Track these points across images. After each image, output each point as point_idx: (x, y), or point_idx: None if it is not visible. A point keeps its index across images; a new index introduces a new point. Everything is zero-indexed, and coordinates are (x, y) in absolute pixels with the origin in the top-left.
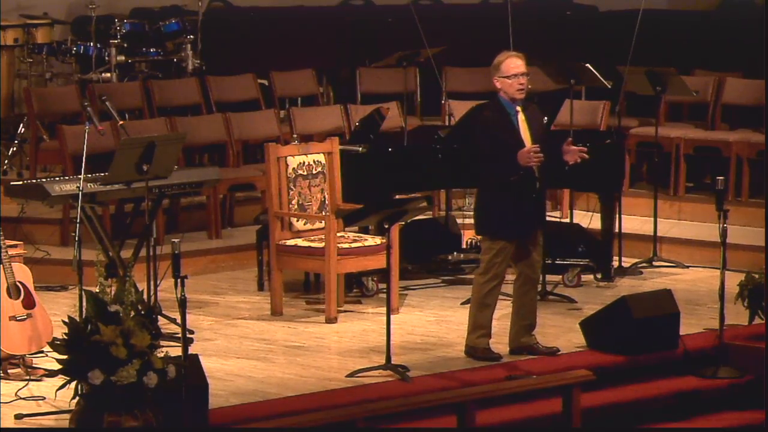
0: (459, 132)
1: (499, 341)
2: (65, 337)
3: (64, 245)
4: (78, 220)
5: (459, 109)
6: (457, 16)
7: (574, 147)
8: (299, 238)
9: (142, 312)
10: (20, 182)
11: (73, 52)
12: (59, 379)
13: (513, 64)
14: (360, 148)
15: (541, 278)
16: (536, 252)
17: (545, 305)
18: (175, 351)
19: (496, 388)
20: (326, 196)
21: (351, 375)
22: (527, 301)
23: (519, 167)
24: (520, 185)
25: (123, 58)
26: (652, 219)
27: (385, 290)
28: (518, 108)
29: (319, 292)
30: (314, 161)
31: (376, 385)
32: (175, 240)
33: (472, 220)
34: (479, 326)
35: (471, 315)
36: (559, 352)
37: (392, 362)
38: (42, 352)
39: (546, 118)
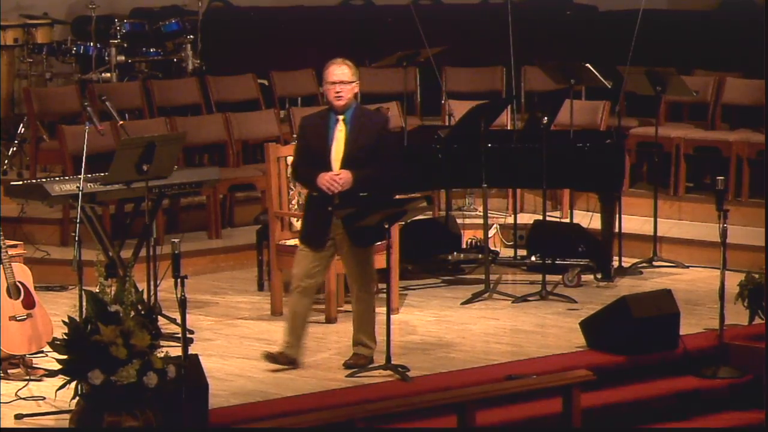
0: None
1: (500, 341)
2: (65, 337)
3: (64, 245)
4: (78, 220)
5: (459, 109)
6: (457, 16)
7: (328, 175)
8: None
9: (142, 312)
10: (20, 182)
11: (73, 52)
12: (59, 379)
13: (333, 71)
14: None
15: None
16: (355, 266)
17: (545, 305)
18: (175, 351)
19: (496, 388)
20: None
21: (351, 375)
22: (356, 313)
23: (315, 178)
24: (319, 198)
25: (123, 58)
26: (652, 219)
27: (385, 290)
28: (339, 117)
29: (319, 292)
30: None
31: (376, 385)
32: (175, 240)
33: (472, 220)
34: (288, 334)
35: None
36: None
37: (392, 362)
38: (42, 352)
39: (381, 132)
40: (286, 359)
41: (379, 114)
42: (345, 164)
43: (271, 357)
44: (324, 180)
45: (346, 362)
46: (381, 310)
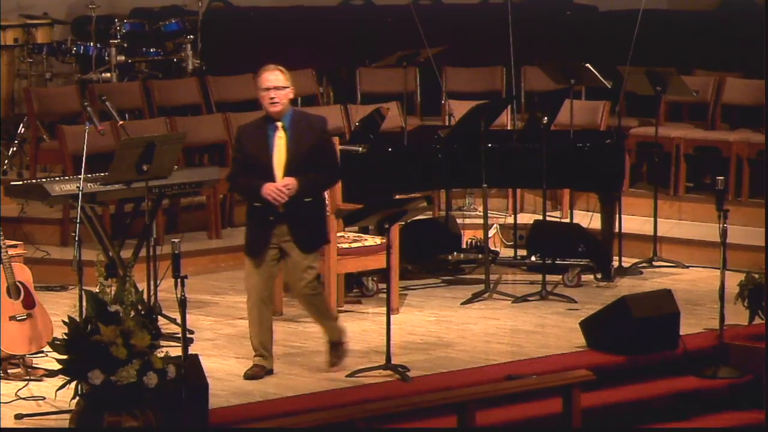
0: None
1: (500, 341)
2: (65, 337)
3: (64, 245)
4: (78, 220)
5: (459, 109)
6: (457, 16)
7: (274, 186)
8: None
9: (142, 312)
10: (20, 182)
11: (73, 52)
12: (59, 379)
13: (266, 77)
14: (360, 148)
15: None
16: (303, 271)
17: (545, 305)
18: (175, 351)
19: (496, 388)
20: (326, 196)
21: (351, 375)
22: (315, 310)
23: (258, 188)
24: (262, 209)
25: (123, 58)
26: (652, 219)
27: (385, 290)
28: (278, 124)
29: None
30: None
31: (376, 385)
32: (175, 240)
33: (472, 220)
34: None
35: None
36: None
37: (392, 362)
38: (42, 352)
39: (321, 137)
40: (264, 371)
41: (317, 117)
42: (288, 171)
43: (252, 375)
44: (270, 191)
45: (330, 361)
46: (381, 310)
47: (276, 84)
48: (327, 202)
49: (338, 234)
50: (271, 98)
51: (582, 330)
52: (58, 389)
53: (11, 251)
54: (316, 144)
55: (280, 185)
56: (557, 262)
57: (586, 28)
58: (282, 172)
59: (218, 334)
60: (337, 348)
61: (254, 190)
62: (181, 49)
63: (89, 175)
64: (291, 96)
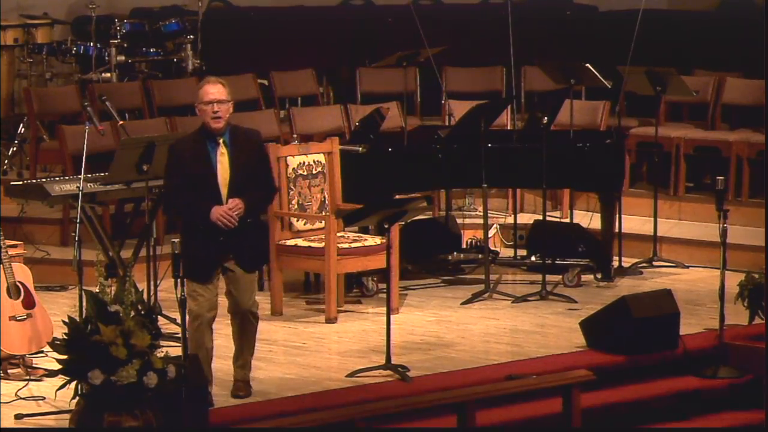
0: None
1: (500, 341)
2: (65, 337)
3: (64, 245)
4: (78, 220)
5: (459, 109)
6: (457, 16)
7: (222, 210)
8: (299, 238)
9: (142, 312)
10: (20, 182)
11: (73, 52)
12: (59, 379)
13: (209, 90)
14: (360, 148)
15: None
16: (245, 291)
17: (545, 305)
18: (175, 351)
19: (496, 388)
20: (326, 196)
21: (351, 375)
22: (244, 337)
23: (205, 212)
24: (205, 230)
25: (123, 58)
26: (652, 219)
27: (385, 290)
28: (219, 140)
29: (319, 292)
30: (314, 161)
31: (376, 385)
32: (175, 240)
33: (472, 220)
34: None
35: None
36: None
37: (392, 362)
38: (42, 352)
39: (258, 152)
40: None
41: (253, 131)
42: (232, 189)
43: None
44: (219, 216)
45: (234, 392)
46: (381, 310)
47: (219, 97)
48: (266, 221)
49: (338, 234)
50: (215, 112)
51: (582, 330)
52: (58, 389)
53: (11, 251)
54: (256, 159)
55: (229, 208)
56: (557, 262)
57: (586, 28)
58: (226, 191)
59: (218, 334)
60: (245, 386)
61: (201, 213)
62: (181, 49)
63: (89, 175)
64: (231, 110)
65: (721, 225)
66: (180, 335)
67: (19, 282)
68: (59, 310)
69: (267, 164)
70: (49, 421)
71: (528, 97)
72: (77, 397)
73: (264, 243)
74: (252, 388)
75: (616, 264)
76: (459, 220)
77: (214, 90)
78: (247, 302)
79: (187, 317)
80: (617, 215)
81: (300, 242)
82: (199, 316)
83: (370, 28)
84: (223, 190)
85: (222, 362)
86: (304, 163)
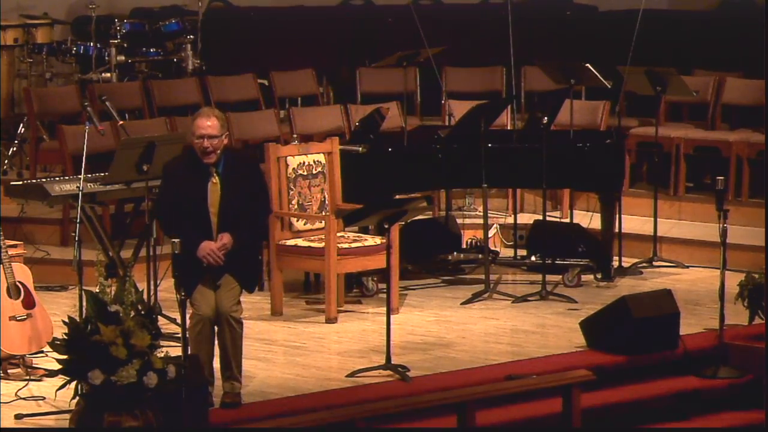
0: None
1: (500, 341)
2: (65, 337)
3: (64, 245)
4: (78, 220)
5: (459, 109)
6: (457, 16)
7: (209, 248)
8: (299, 238)
9: (142, 312)
10: (20, 182)
11: (73, 52)
12: (59, 379)
13: (201, 124)
14: (360, 148)
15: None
16: (222, 293)
17: (545, 305)
18: (175, 351)
19: (496, 388)
20: (326, 196)
21: (351, 375)
22: (230, 345)
23: (194, 243)
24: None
25: (123, 58)
26: (652, 219)
27: (385, 290)
28: (212, 170)
29: (319, 292)
30: (314, 161)
31: (376, 385)
32: (175, 240)
33: (472, 220)
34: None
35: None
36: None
37: (392, 362)
38: (42, 352)
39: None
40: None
41: (248, 155)
42: (223, 220)
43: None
44: (206, 254)
45: (222, 403)
46: (381, 310)
47: (211, 132)
48: (263, 244)
49: (338, 234)
50: (205, 148)
51: (582, 330)
52: (58, 389)
53: (11, 251)
54: (250, 182)
55: (217, 248)
56: (557, 262)
57: (586, 28)
58: (217, 219)
59: None
60: (234, 396)
61: (190, 242)
62: (181, 49)
63: (89, 175)
64: (225, 142)
65: (721, 225)
66: (180, 335)
67: (19, 282)
68: (59, 310)
69: (264, 189)
70: (49, 421)
71: (528, 97)
72: (77, 397)
73: (258, 268)
74: (242, 399)
75: (616, 264)
76: (459, 220)
77: (208, 124)
78: (227, 305)
79: (188, 320)
80: (617, 215)
81: (300, 242)
82: (200, 316)
83: (370, 28)
84: (214, 219)
85: None
86: (304, 163)
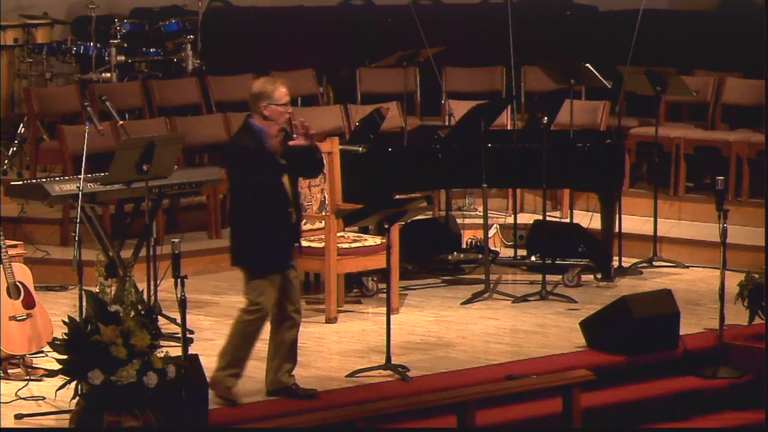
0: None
1: (500, 341)
2: (65, 337)
3: (64, 245)
4: (78, 220)
5: (459, 109)
6: (457, 16)
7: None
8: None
9: (142, 312)
10: (20, 182)
11: (73, 52)
12: (59, 379)
13: (285, 92)
14: (360, 148)
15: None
16: (296, 282)
17: (545, 305)
18: (175, 351)
19: (496, 388)
20: (326, 196)
21: (351, 375)
22: (288, 338)
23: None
24: (280, 214)
25: (123, 58)
26: (652, 219)
27: (385, 290)
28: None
29: (319, 292)
30: None
31: (376, 385)
32: (175, 240)
33: (472, 220)
34: (235, 365)
35: (228, 351)
36: (318, 395)
37: (392, 362)
38: (42, 352)
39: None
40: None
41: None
42: (293, 186)
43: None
44: (298, 122)
45: (297, 389)
46: (381, 310)
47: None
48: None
49: (338, 234)
50: (290, 114)
51: (582, 330)
52: (58, 389)
53: (11, 251)
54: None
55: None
56: (557, 262)
57: (586, 28)
58: (290, 189)
59: (218, 334)
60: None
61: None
62: (181, 49)
63: (89, 175)
64: None
65: (721, 225)
66: (180, 335)
67: (19, 282)
68: (59, 310)
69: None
70: (49, 421)
71: (528, 97)
72: (77, 397)
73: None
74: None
75: (616, 264)
76: (459, 220)
77: (286, 92)
78: (297, 297)
79: (253, 313)
80: (617, 215)
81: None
82: (265, 312)
83: (370, 28)
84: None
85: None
86: None
